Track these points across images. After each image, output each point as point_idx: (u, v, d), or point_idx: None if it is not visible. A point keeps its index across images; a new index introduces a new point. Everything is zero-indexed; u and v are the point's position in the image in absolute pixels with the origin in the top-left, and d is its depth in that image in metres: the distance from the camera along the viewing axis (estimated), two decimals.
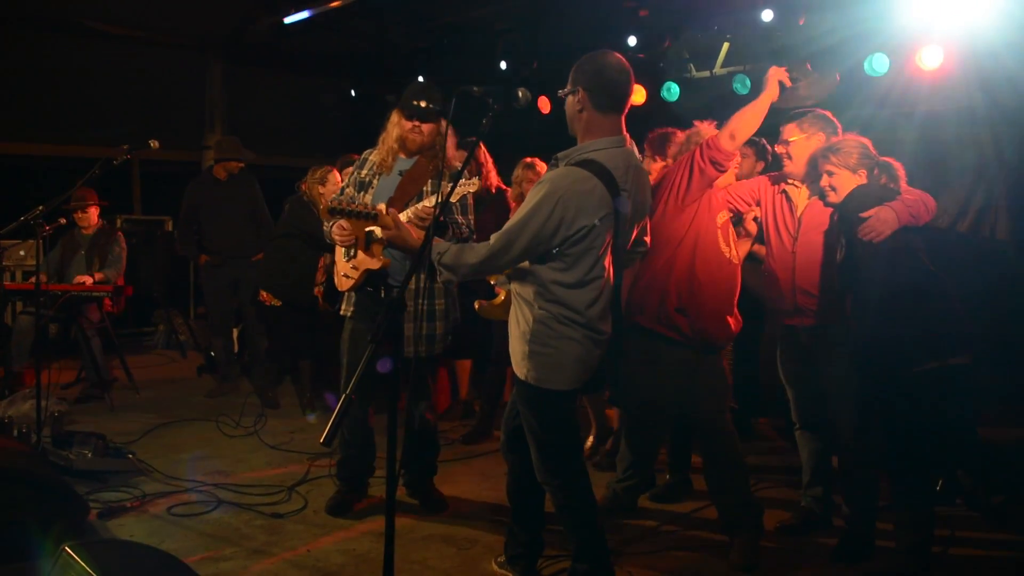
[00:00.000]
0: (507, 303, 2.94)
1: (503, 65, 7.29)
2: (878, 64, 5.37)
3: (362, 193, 3.72)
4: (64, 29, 7.80)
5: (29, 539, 2.95)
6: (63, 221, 5.90)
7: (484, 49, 7.42)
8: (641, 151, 4.32)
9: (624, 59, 2.73)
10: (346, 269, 3.72)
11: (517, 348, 2.78)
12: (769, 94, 3.36)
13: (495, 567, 3.20)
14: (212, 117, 8.83)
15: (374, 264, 3.59)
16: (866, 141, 3.24)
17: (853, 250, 3.15)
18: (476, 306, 3.76)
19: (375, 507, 3.85)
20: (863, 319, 3.17)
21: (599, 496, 3.03)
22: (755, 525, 3.39)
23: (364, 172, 3.77)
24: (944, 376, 3.04)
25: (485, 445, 4.92)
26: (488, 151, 5.23)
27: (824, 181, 3.23)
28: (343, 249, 3.69)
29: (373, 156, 3.78)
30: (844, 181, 3.18)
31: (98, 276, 5.82)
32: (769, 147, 4.26)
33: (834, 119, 3.49)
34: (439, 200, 3.17)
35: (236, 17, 7.98)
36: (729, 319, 3.47)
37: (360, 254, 3.62)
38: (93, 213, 6.05)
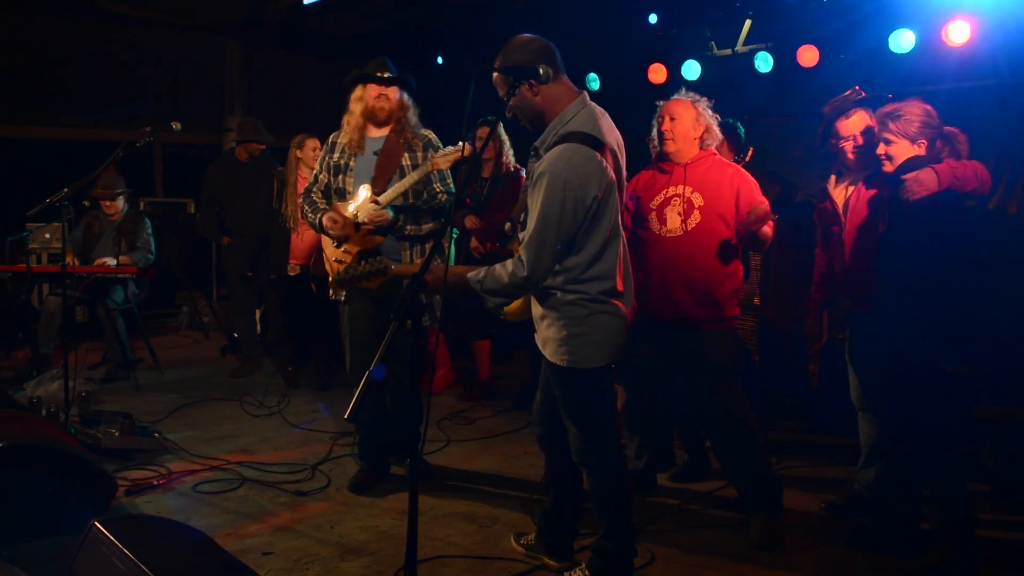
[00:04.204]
0: (526, 301, 2.86)
1: None
2: (903, 41, 5.27)
3: (340, 176, 3.74)
4: (84, 13, 7.84)
5: (60, 515, 3.02)
6: (86, 204, 5.97)
7: (504, 29, 7.36)
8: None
9: None
10: (337, 254, 3.73)
11: (549, 335, 2.72)
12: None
13: (516, 545, 3.22)
14: (231, 99, 8.86)
15: (369, 244, 3.64)
16: (929, 108, 2.95)
17: (892, 222, 2.93)
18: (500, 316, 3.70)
19: (397, 485, 3.89)
20: (888, 302, 2.98)
21: None
22: (775, 504, 3.38)
23: (336, 156, 3.77)
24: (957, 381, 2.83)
25: (505, 426, 4.95)
26: (505, 131, 5.24)
27: (880, 149, 2.98)
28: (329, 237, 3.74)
29: (341, 139, 3.77)
30: (902, 151, 2.92)
31: (123, 260, 5.87)
32: (743, 137, 4.11)
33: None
34: (450, 231, 3.08)
35: None
36: (672, 295, 3.38)
37: (352, 236, 3.66)
38: (120, 201, 6.09)
